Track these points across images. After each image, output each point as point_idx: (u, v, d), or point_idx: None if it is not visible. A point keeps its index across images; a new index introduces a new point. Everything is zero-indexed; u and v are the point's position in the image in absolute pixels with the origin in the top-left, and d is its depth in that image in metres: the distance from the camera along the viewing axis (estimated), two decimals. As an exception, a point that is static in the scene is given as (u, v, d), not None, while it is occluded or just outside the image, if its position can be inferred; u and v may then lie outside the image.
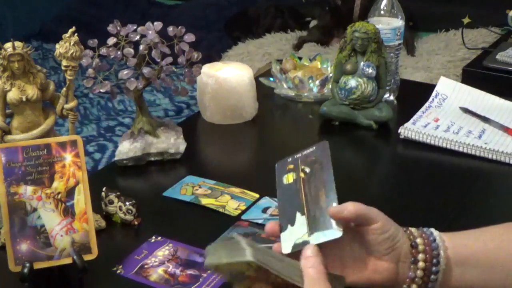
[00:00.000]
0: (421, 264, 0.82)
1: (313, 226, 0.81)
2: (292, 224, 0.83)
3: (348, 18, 2.99)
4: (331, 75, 1.61)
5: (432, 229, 0.87)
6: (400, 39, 1.60)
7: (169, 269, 1.04)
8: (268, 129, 1.59)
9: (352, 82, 1.48)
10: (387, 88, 1.57)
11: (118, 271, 1.04)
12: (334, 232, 0.79)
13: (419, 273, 0.82)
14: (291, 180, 0.88)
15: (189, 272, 1.04)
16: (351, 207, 0.81)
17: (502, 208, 1.25)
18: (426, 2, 3.34)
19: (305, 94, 1.65)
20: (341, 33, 3.12)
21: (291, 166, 0.89)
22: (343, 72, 1.50)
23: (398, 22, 1.59)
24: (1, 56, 1.07)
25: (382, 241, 0.82)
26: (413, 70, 2.86)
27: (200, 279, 1.02)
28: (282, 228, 0.84)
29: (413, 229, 0.86)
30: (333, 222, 0.80)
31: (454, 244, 0.85)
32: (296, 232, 0.82)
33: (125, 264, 1.05)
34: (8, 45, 1.07)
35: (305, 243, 0.79)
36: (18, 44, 1.07)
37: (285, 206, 0.86)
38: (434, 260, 0.82)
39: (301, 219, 0.83)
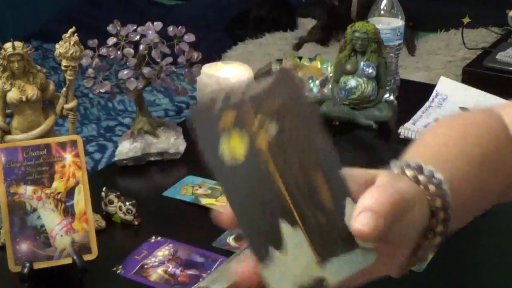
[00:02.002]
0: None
1: (324, 245, 0.47)
2: (279, 246, 0.47)
3: (346, 19, 3.00)
4: (331, 75, 1.61)
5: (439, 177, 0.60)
6: (400, 39, 1.60)
7: (169, 269, 1.04)
8: (268, 129, 1.59)
9: (352, 82, 1.48)
10: (387, 88, 1.57)
11: (118, 271, 1.04)
12: (365, 256, 0.47)
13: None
14: (240, 153, 0.47)
15: (189, 272, 1.03)
16: (385, 208, 0.48)
17: (502, 208, 1.25)
18: (426, 2, 3.34)
19: (305, 94, 1.65)
20: (339, 34, 3.12)
21: (231, 118, 0.47)
22: (343, 72, 1.50)
23: (398, 22, 1.59)
24: (1, 56, 1.07)
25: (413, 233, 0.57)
26: (413, 70, 2.86)
27: (200, 279, 1.01)
28: (258, 256, 0.47)
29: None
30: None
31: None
32: (292, 263, 0.46)
33: (125, 264, 1.05)
34: (8, 45, 1.07)
35: (320, 282, 0.46)
36: (18, 44, 1.07)
37: (249, 211, 0.48)
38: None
39: (295, 236, 0.47)
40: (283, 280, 0.46)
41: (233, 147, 0.46)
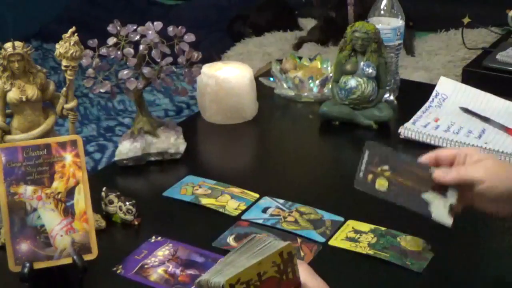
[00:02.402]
0: None
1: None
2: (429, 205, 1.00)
3: (343, 29, 3.00)
4: (331, 75, 1.61)
5: None
6: (400, 39, 1.60)
7: (169, 269, 1.04)
8: (268, 129, 1.59)
9: (352, 82, 1.48)
10: (387, 88, 1.57)
11: (118, 271, 1.04)
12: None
13: None
14: (385, 186, 1.02)
15: (189, 272, 1.04)
16: (453, 174, 0.96)
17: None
18: (426, 2, 3.34)
19: (305, 94, 1.65)
20: (337, 43, 3.12)
21: (371, 176, 1.02)
22: (343, 72, 1.50)
23: (398, 22, 1.59)
24: (1, 56, 1.08)
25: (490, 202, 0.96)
26: (413, 70, 2.86)
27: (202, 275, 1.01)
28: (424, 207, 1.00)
29: None
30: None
31: None
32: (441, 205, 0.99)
33: (125, 264, 1.05)
34: (8, 45, 1.07)
35: (451, 206, 0.99)
36: (18, 44, 1.07)
37: (411, 199, 1.00)
38: None
39: (433, 197, 0.99)
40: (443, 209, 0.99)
41: (380, 184, 1.02)
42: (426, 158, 1.01)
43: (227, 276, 0.71)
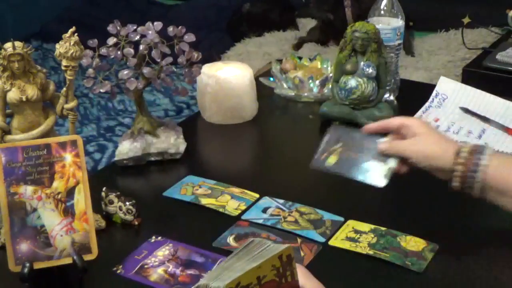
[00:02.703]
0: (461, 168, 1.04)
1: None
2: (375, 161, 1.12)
3: (342, 29, 3.00)
4: (331, 75, 1.61)
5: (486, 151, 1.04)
6: (400, 39, 1.60)
7: (169, 269, 1.04)
8: (268, 129, 1.59)
9: (352, 82, 1.48)
10: (387, 88, 1.57)
11: (118, 271, 1.04)
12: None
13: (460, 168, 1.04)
14: (335, 160, 1.12)
15: (189, 272, 1.04)
16: (385, 145, 1.11)
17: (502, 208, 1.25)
18: (426, 2, 3.34)
19: (305, 94, 1.65)
20: (336, 44, 3.12)
21: (325, 155, 1.12)
22: (343, 72, 1.50)
23: (398, 22, 1.59)
24: (1, 56, 1.08)
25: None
26: (413, 70, 2.86)
27: (200, 279, 1.01)
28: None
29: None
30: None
31: (495, 174, 1.03)
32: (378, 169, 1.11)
33: (125, 264, 1.05)
34: (8, 45, 1.07)
35: (390, 169, 1.10)
36: (18, 44, 1.07)
37: (354, 170, 1.11)
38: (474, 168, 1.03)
39: (373, 164, 1.11)
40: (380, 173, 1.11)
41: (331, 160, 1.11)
42: (378, 125, 1.14)
43: (226, 281, 0.71)
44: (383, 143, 1.12)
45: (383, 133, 1.14)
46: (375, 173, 1.11)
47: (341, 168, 1.12)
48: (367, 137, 1.14)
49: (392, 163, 1.10)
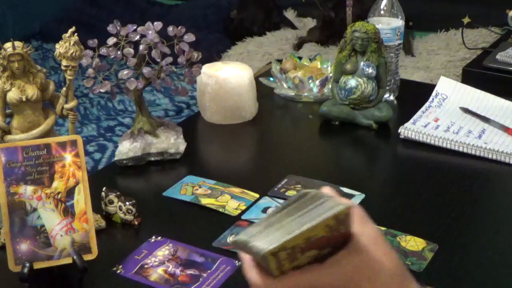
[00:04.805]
0: None
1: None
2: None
3: (342, 29, 3.00)
4: (331, 75, 1.61)
5: None
6: (400, 39, 1.60)
7: (169, 269, 1.04)
8: (268, 129, 1.59)
9: (352, 82, 1.48)
10: (387, 88, 1.57)
11: (118, 271, 1.04)
12: None
13: None
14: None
15: (189, 272, 1.04)
16: None
17: (502, 208, 1.25)
18: (426, 2, 3.34)
19: (305, 94, 1.66)
20: (336, 44, 3.12)
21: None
22: (343, 72, 1.50)
23: (398, 22, 1.59)
24: (1, 56, 1.08)
25: None
26: (413, 70, 2.86)
27: (200, 279, 1.02)
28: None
29: None
30: None
31: None
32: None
33: (125, 264, 1.05)
34: (8, 45, 1.07)
35: None
36: (18, 44, 1.07)
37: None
38: None
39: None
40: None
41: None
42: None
43: (270, 244, 0.62)
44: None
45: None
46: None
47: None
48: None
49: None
